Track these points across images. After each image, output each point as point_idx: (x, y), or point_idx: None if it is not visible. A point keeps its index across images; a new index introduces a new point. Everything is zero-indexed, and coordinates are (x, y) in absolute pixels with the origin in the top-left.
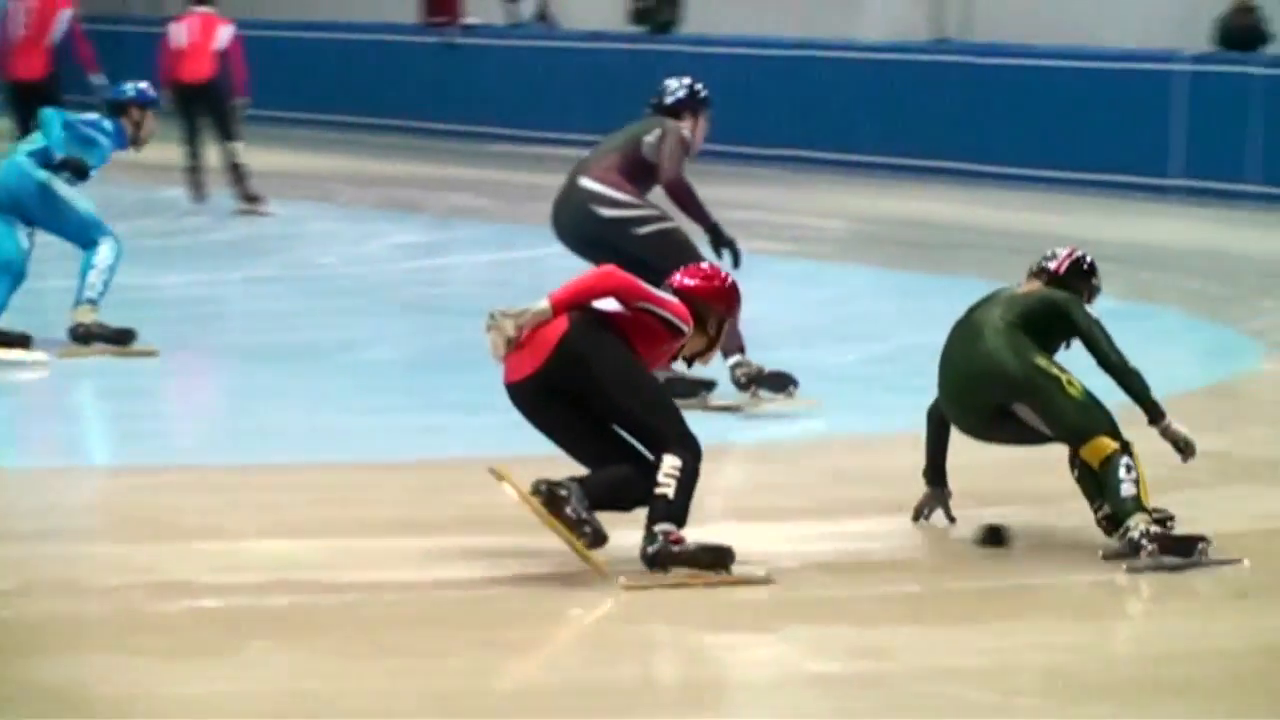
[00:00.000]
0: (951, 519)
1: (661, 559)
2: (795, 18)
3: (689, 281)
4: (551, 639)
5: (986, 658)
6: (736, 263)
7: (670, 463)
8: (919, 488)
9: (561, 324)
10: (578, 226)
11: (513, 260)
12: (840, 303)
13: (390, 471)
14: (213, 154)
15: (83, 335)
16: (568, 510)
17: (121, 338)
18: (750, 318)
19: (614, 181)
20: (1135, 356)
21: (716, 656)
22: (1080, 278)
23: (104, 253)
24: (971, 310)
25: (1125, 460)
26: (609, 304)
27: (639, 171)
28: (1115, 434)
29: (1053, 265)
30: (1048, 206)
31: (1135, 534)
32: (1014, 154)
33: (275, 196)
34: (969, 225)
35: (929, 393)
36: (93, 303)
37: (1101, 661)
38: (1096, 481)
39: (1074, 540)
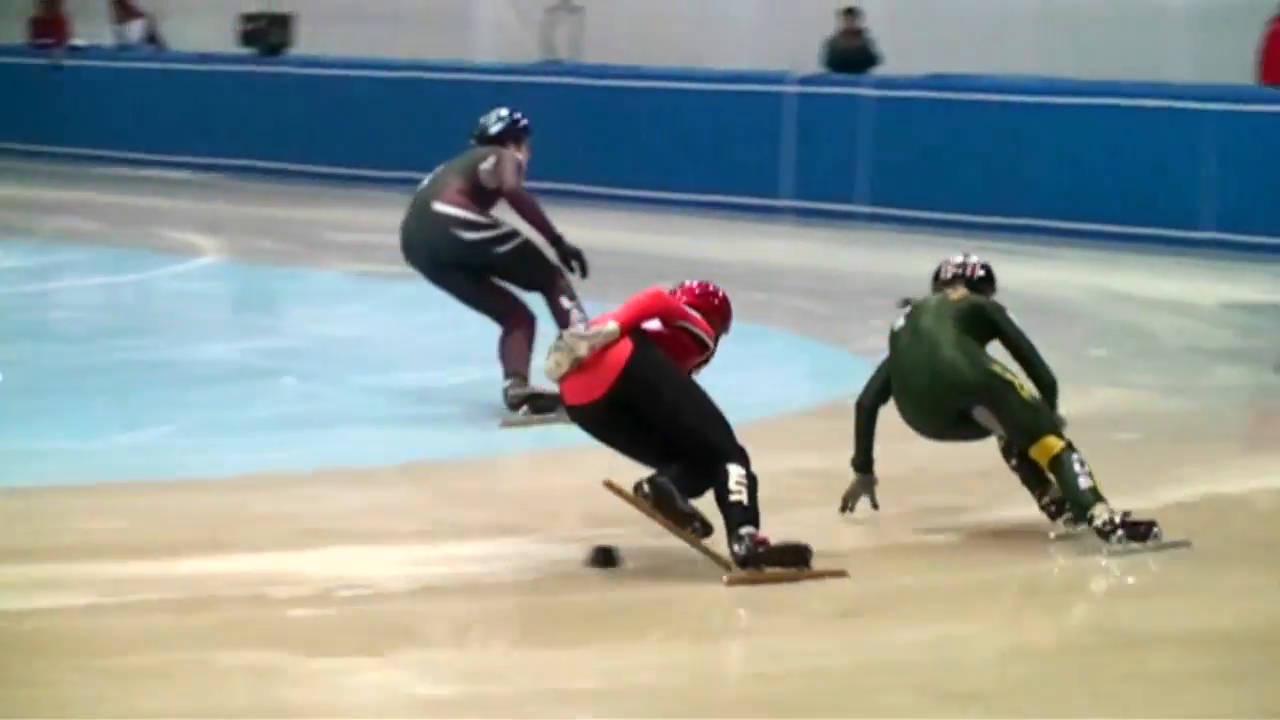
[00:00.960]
0: (875, 506)
1: (754, 558)
2: (406, 40)
3: (689, 299)
4: (164, 665)
5: (598, 679)
6: (584, 272)
7: (737, 472)
8: (530, 509)
9: (625, 348)
10: (437, 249)
11: (122, 284)
12: (453, 325)
13: None
14: None
15: None
16: (678, 506)
17: None
18: (364, 340)
19: (466, 205)
20: (749, 376)
21: (321, 681)
22: (988, 282)
23: None
24: (911, 320)
25: (1076, 456)
26: (652, 323)
27: (482, 195)
28: (1059, 433)
29: (966, 271)
30: (661, 228)
31: (1100, 522)
32: (625, 175)
33: None
34: (581, 247)
35: None
36: None
37: (710, 680)
38: (1035, 472)
39: (685, 558)
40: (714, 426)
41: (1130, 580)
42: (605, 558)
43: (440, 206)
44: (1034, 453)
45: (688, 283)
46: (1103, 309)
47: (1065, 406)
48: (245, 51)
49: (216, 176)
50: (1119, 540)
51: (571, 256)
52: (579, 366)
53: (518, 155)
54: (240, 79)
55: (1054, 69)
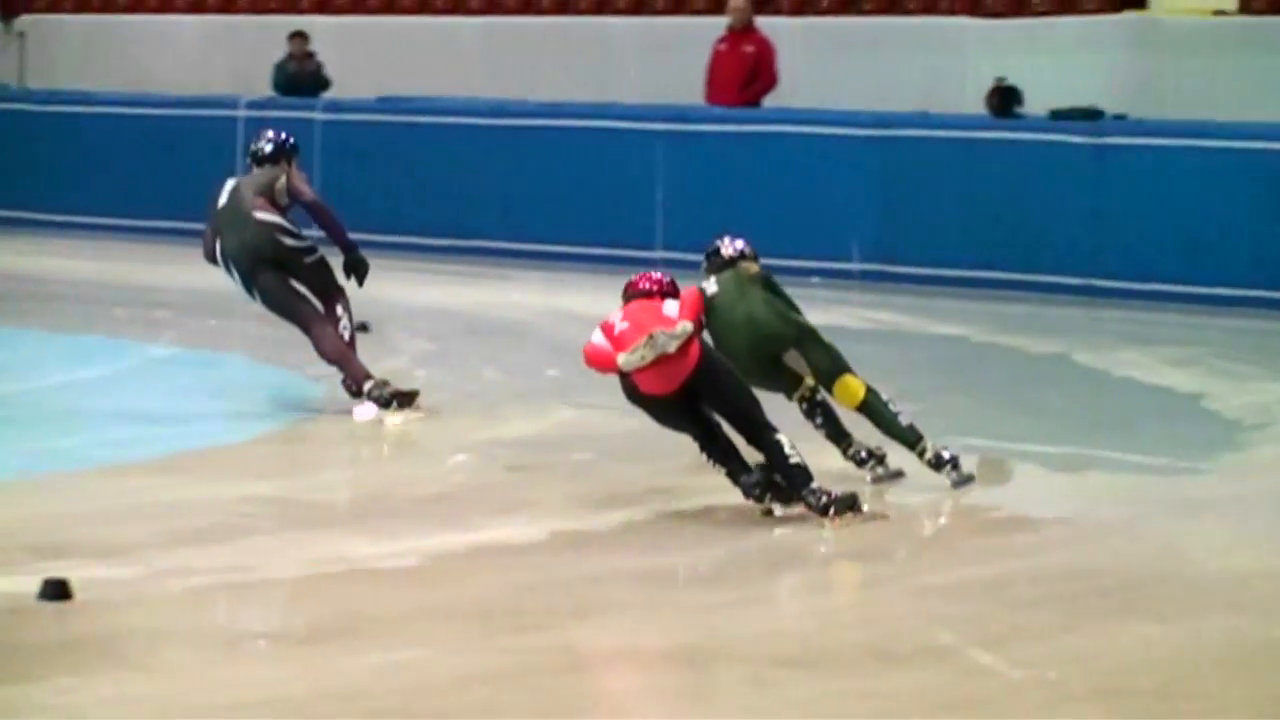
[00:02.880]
0: None
1: (827, 507)
2: None
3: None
4: None
5: (50, 715)
6: (360, 282)
7: (786, 440)
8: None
9: (695, 346)
10: (259, 250)
11: None
12: None
13: None
14: None
15: None
16: (788, 495)
17: None
18: None
19: (280, 214)
20: (201, 403)
21: None
22: (757, 257)
23: None
24: (722, 288)
25: (886, 397)
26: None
27: (283, 210)
28: (854, 373)
29: (746, 250)
30: (119, 255)
31: (930, 456)
32: (79, 203)
33: None
34: (34, 276)
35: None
36: None
37: (166, 711)
38: (837, 428)
39: (133, 595)
40: (753, 404)
41: (585, 600)
42: (57, 590)
43: (262, 215)
44: (837, 392)
45: (655, 274)
46: (555, 329)
47: (524, 427)
48: None
49: None
50: (950, 471)
51: (356, 265)
52: (657, 361)
53: (298, 171)
54: None
55: (503, 91)
